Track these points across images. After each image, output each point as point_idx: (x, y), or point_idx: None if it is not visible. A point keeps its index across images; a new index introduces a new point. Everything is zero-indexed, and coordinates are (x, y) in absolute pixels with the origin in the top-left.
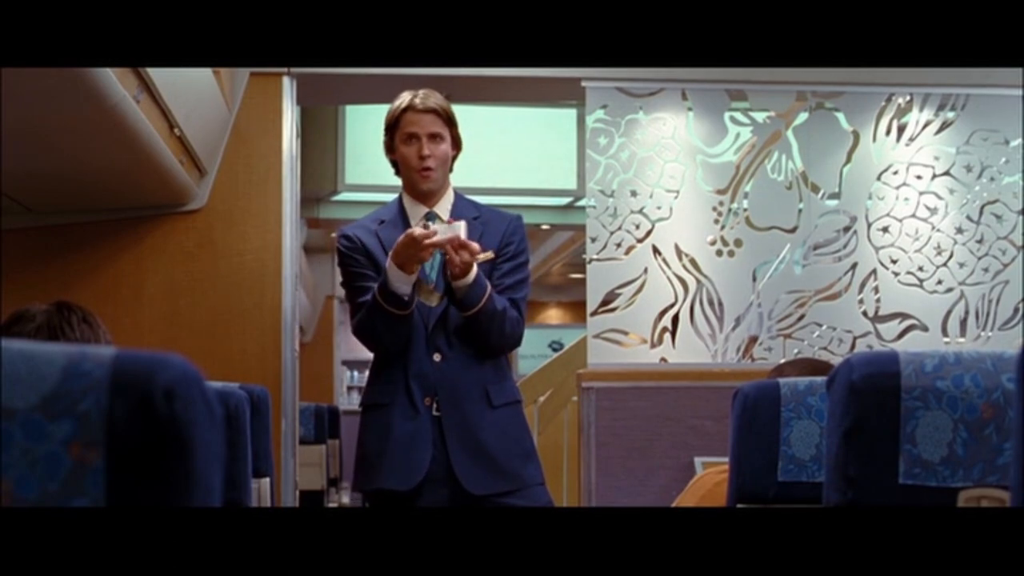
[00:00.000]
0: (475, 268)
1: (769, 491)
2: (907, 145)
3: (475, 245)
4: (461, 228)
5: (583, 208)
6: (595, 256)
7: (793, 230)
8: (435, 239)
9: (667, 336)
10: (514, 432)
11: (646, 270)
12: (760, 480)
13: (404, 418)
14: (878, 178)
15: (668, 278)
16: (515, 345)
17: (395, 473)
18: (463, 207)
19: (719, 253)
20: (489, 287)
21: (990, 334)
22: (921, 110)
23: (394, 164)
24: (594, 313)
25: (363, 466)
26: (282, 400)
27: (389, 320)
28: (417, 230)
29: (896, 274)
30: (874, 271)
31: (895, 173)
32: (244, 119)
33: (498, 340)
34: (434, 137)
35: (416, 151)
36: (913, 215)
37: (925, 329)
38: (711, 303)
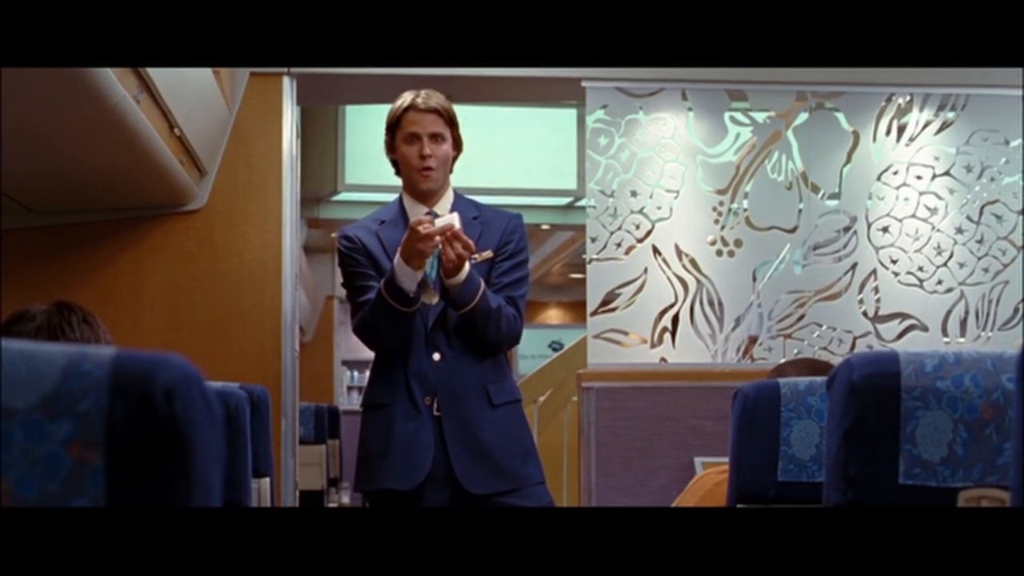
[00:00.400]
0: (467, 266)
1: (769, 491)
2: (907, 145)
3: (468, 240)
4: (454, 219)
5: (583, 208)
6: (595, 256)
7: (793, 230)
8: (430, 229)
9: (667, 336)
10: (514, 431)
11: (646, 270)
12: (760, 480)
13: (405, 418)
14: (878, 178)
15: (668, 278)
16: (513, 343)
17: (397, 473)
18: (463, 207)
19: (719, 253)
20: (482, 285)
21: (990, 334)
22: (921, 110)
23: (394, 164)
24: (594, 313)
25: (365, 466)
26: (282, 400)
27: (393, 317)
28: (417, 218)
29: (896, 274)
30: (874, 271)
31: (895, 173)
32: (244, 119)
33: (495, 338)
34: (435, 137)
35: (417, 151)
36: (913, 215)
37: (925, 329)
38: (711, 303)
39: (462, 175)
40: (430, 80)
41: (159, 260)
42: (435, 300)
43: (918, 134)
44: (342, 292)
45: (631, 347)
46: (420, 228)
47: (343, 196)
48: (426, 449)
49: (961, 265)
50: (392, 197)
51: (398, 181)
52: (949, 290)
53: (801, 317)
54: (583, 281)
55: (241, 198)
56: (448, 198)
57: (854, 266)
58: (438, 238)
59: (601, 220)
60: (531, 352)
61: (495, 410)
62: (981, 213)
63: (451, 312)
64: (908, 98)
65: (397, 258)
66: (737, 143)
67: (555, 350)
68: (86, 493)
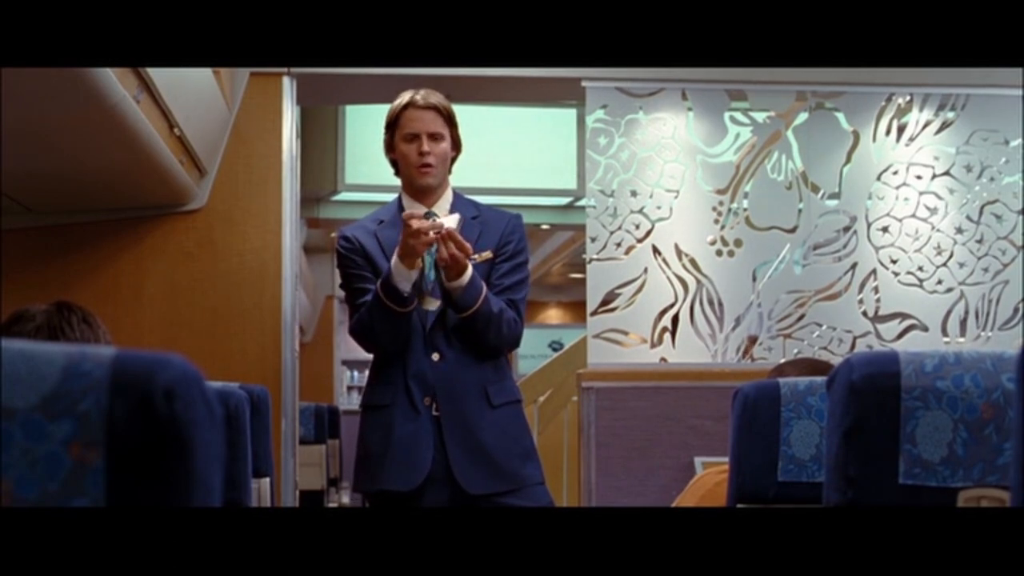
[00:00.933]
0: (470, 270)
1: (769, 491)
2: (907, 145)
3: (463, 241)
4: (453, 220)
5: (583, 208)
6: (595, 256)
7: (793, 230)
8: (422, 224)
9: (667, 336)
10: (514, 431)
11: (646, 270)
12: (760, 480)
13: (405, 419)
14: (878, 178)
15: (668, 278)
16: (514, 346)
17: (396, 474)
18: (462, 207)
19: (719, 253)
20: (485, 290)
21: (990, 334)
22: (921, 110)
23: (394, 163)
24: (594, 313)
25: (364, 467)
26: (282, 400)
27: (389, 317)
28: (409, 212)
29: (896, 274)
30: (874, 271)
31: (895, 173)
32: (244, 119)
33: (495, 341)
34: (435, 136)
35: (416, 148)
36: (913, 215)
37: (925, 329)
38: (711, 303)
39: (462, 175)
40: (430, 80)
41: (159, 260)
42: (435, 306)
43: (918, 134)
44: (342, 292)
45: (631, 347)
46: (412, 221)
47: (343, 196)
48: (425, 450)
49: (961, 265)
50: (392, 197)
51: (398, 181)
52: (949, 290)
53: (801, 317)
54: (583, 281)
55: (241, 198)
56: (447, 198)
57: (854, 266)
58: (432, 234)
59: (601, 220)
60: (531, 352)
61: (495, 410)
62: (981, 213)
63: (450, 312)
64: (908, 98)
65: (395, 257)
66: (737, 143)
67: (555, 350)
68: (86, 493)
